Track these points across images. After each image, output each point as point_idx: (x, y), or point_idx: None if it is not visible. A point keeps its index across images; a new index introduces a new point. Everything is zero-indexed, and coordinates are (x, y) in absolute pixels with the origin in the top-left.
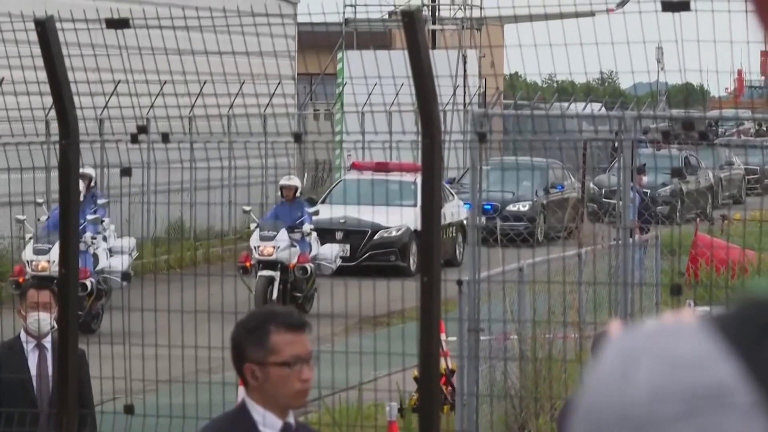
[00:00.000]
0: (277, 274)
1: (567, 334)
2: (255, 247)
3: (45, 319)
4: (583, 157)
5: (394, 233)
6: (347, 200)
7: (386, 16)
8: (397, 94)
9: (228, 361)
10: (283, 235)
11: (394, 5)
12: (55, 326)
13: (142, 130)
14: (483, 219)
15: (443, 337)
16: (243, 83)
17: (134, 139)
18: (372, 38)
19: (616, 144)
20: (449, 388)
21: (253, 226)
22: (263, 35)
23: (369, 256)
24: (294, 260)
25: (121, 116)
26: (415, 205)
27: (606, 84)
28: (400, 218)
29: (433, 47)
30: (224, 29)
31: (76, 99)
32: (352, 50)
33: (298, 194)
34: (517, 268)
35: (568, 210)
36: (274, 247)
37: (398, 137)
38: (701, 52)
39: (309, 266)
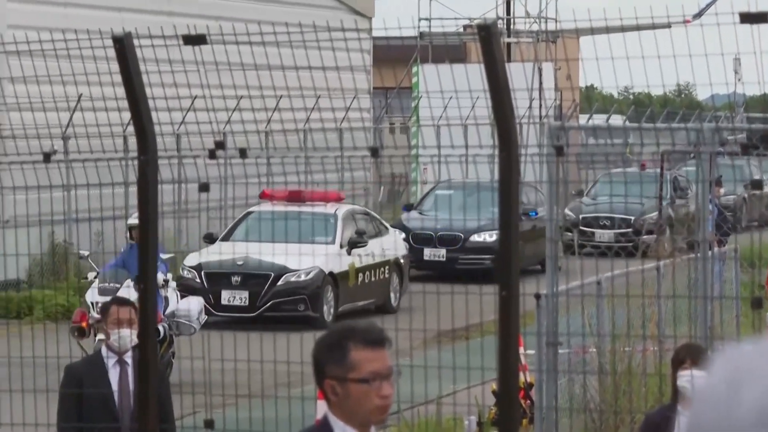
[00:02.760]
0: None
1: (646, 347)
2: (93, 304)
3: (126, 336)
4: (660, 170)
5: (303, 277)
6: (251, 237)
7: (461, 30)
8: (473, 108)
9: (307, 375)
10: (128, 288)
11: (470, 19)
12: (136, 341)
13: (220, 145)
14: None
15: (522, 350)
16: (319, 98)
17: (212, 154)
18: (447, 52)
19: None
20: (528, 401)
21: (91, 275)
22: (339, 50)
23: (272, 306)
24: None
25: (198, 132)
26: (332, 242)
27: (683, 96)
28: (313, 259)
29: (509, 60)
30: (300, 44)
31: (153, 115)
32: (427, 64)
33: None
34: (596, 282)
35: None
36: None
37: (474, 151)
38: None
39: (162, 326)
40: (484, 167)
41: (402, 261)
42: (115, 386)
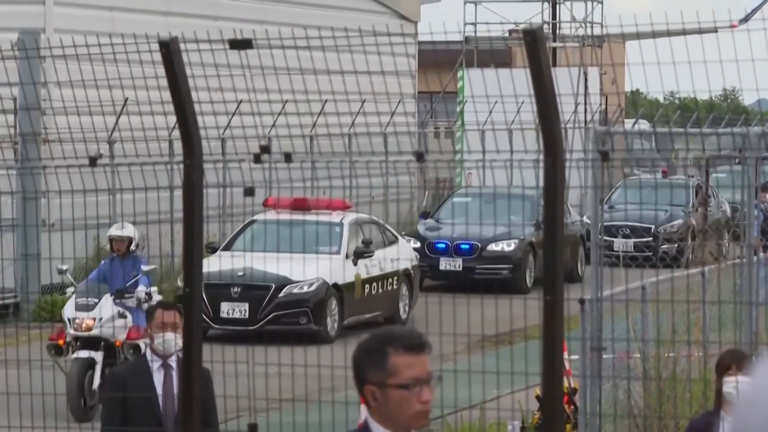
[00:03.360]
0: (99, 356)
1: (691, 352)
2: (70, 320)
3: (171, 339)
4: (705, 176)
5: (305, 289)
6: (255, 247)
7: (507, 35)
8: (518, 112)
9: (350, 380)
10: (107, 303)
11: (515, 23)
12: (181, 345)
13: (265, 149)
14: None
15: (566, 355)
16: (364, 102)
17: (257, 158)
18: (492, 56)
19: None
20: (572, 407)
21: (69, 291)
22: (384, 54)
23: (273, 318)
24: (122, 336)
25: (243, 135)
26: (338, 252)
27: (729, 100)
28: (316, 269)
29: (554, 65)
30: (346, 49)
31: (199, 119)
32: (472, 68)
33: (132, 247)
34: (640, 287)
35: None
36: (94, 319)
37: (520, 156)
38: None
39: (144, 343)
40: (529, 172)
41: (412, 272)
42: (159, 390)
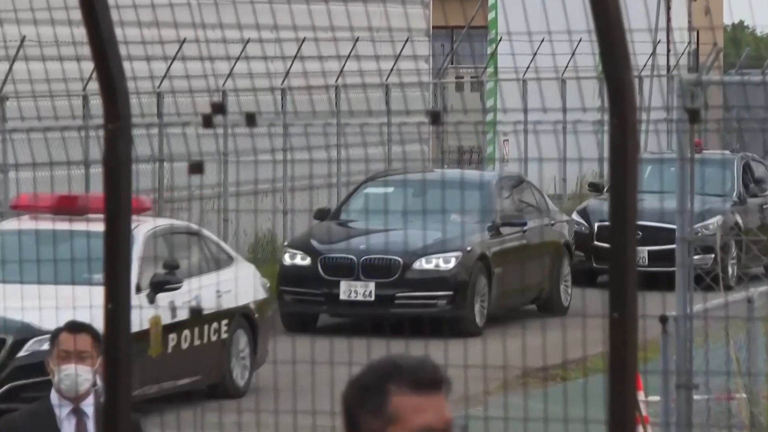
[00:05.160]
0: None
1: None
2: None
3: (83, 374)
4: None
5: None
6: None
7: None
8: (572, 55)
9: (339, 431)
10: None
11: None
12: (99, 384)
13: (218, 108)
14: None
15: (641, 396)
16: (357, 40)
17: (207, 121)
18: None
19: None
20: None
21: None
22: None
23: (8, 393)
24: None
25: (188, 89)
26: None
27: None
28: (88, 312)
29: None
30: None
31: (127, 66)
32: None
33: None
34: (746, 299)
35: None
36: None
37: (575, 116)
38: None
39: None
40: (589, 139)
41: (255, 313)
42: None
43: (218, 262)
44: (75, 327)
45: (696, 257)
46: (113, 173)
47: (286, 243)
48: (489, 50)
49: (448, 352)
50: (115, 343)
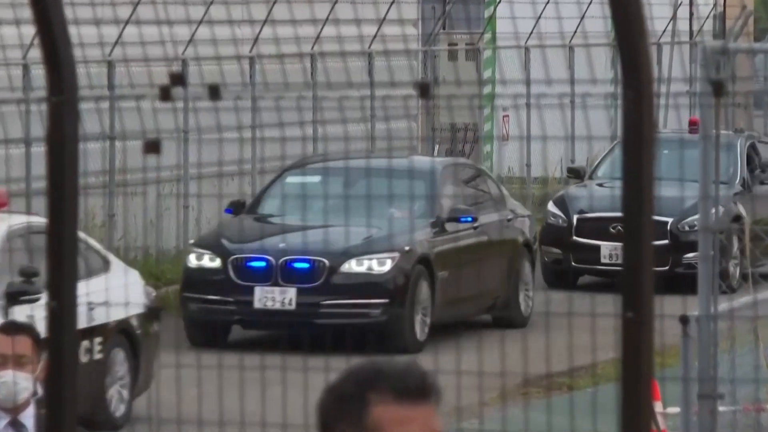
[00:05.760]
0: None
1: None
2: None
3: (21, 381)
4: None
5: None
6: None
7: None
8: (581, 20)
9: None
10: None
11: None
12: (39, 392)
13: (178, 79)
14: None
15: (658, 407)
16: (336, 2)
17: (165, 94)
18: None
19: None
20: None
21: None
22: None
23: None
24: None
25: (143, 58)
26: None
27: None
28: None
29: None
30: None
31: (72, 31)
32: None
33: None
34: None
35: None
36: None
37: (584, 88)
38: None
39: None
40: (599, 114)
41: (138, 329)
42: None
43: (90, 267)
44: (12, 328)
45: (689, 255)
46: (57, 152)
47: (191, 241)
48: (486, 13)
49: (439, 357)
50: (59, 345)
